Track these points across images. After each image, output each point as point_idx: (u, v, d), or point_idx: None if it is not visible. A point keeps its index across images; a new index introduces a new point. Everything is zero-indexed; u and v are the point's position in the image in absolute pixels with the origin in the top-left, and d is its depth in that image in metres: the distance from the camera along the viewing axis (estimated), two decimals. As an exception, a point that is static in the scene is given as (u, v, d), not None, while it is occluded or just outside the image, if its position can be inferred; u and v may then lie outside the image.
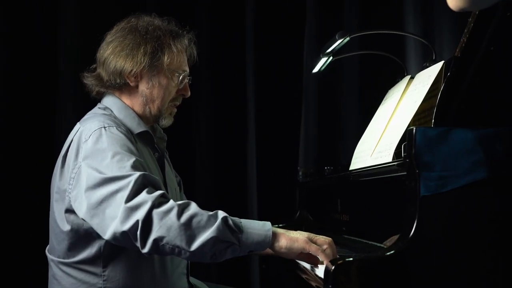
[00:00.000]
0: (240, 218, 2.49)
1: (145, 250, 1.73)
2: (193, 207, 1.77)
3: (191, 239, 1.72)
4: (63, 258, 2.02)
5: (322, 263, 1.78)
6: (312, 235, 1.82)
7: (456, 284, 1.65)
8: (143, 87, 2.14)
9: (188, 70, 2.21)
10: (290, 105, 3.97)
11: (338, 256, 1.78)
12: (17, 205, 3.42)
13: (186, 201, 1.80)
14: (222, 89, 3.89)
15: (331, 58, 2.65)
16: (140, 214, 1.72)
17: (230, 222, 1.76)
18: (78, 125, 2.06)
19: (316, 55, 2.72)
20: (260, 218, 3.68)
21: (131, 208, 1.73)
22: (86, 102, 2.29)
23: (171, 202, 1.76)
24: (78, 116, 2.55)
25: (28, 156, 3.47)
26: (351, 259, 1.62)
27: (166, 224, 1.71)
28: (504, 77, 1.93)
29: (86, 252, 1.98)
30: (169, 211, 1.73)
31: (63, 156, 2.02)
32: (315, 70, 2.82)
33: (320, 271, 1.79)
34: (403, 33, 2.89)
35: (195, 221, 1.73)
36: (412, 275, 1.64)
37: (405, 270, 1.63)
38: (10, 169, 3.44)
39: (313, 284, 1.86)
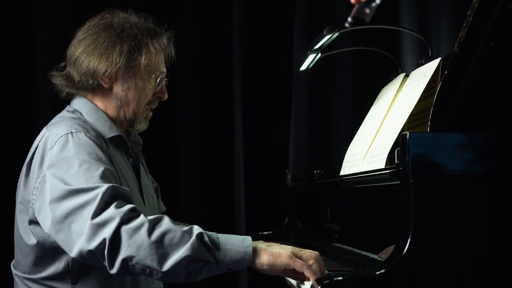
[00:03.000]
0: (227, 223, 2.41)
1: (114, 270, 1.67)
2: (166, 223, 1.70)
3: (163, 258, 1.65)
4: (29, 274, 1.97)
5: (309, 279, 1.70)
6: (297, 250, 1.74)
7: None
8: (117, 89, 2.06)
9: (165, 71, 2.15)
10: (279, 105, 3.98)
11: (326, 272, 1.72)
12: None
13: (158, 215, 1.73)
14: (208, 88, 3.89)
15: (319, 55, 2.61)
16: (107, 232, 1.65)
17: (206, 238, 1.68)
18: (44, 130, 1.99)
19: (306, 51, 2.66)
20: (248, 223, 3.77)
21: (97, 225, 1.67)
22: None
23: (142, 217, 1.69)
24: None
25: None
26: (340, 278, 1.56)
27: (135, 243, 1.64)
28: (505, 74, 1.88)
29: (53, 267, 1.92)
30: (139, 227, 1.66)
31: (27, 164, 1.96)
32: (303, 68, 2.79)
33: (306, 288, 1.73)
34: (397, 28, 2.87)
35: (167, 238, 1.66)
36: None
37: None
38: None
39: (299, 302, 1.80)
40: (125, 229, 1.65)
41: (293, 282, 1.87)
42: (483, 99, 1.85)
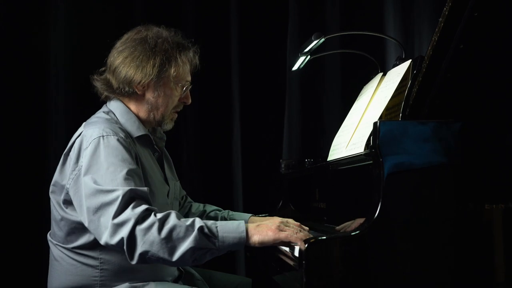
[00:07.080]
0: (226, 208, 2.70)
1: (133, 262, 1.98)
2: (172, 219, 1.98)
3: (172, 250, 1.95)
4: (63, 243, 2.25)
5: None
6: (282, 226, 2.05)
7: (416, 260, 1.87)
8: (149, 96, 2.35)
9: (190, 80, 2.42)
10: (274, 102, 4.15)
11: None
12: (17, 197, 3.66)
13: (166, 212, 2.00)
14: (208, 87, 4.02)
15: (308, 57, 2.84)
16: (124, 232, 1.95)
17: (206, 230, 1.98)
18: (82, 128, 2.27)
19: (298, 53, 2.88)
20: (245, 209, 3.90)
21: (117, 225, 1.97)
22: (76, 102, 2.36)
23: (152, 217, 1.97)
24: (68, 114, 2.77)
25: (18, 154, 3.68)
26: (323, 237, 1.86)
27: (149, 240, 1.94)
28: (472, 74, 2.09)
29: (84, 238, 2.20)
30: (150, 227, 1.95)
31: (65, 154, 2.25)
32: (294, 68, 3.02)
33: (297, 251, 2.00)
34: (376, 34, 3.04)
35: (174, 233, 1.95)
36: (376, 253, 1.86)
37: (370, 248, 1.85)
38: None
39: (291, 263, 2.06)
40: (139, 229, 1.94)
41: (287, 249, 2.13)
42: (453, 95, 2.07)
